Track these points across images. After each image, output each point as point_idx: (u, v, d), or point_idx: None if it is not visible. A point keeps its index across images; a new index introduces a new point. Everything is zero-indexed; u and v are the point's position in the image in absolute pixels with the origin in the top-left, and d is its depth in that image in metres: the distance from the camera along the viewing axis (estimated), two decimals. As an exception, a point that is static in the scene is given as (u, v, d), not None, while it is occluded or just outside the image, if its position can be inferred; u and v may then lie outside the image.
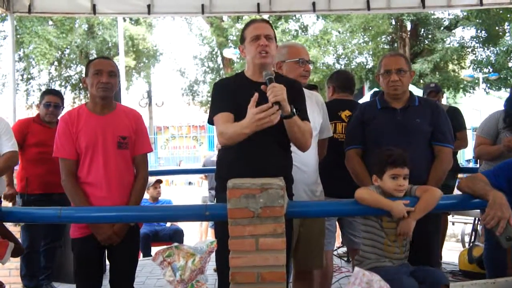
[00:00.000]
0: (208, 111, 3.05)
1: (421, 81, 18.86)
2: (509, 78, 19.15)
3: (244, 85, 2.79)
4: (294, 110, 2.59)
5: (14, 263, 4.61)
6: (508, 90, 4.46)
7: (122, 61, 15.55)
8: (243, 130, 2.52)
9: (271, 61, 2.81)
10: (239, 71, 3.11)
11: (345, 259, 5.73)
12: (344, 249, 5.79)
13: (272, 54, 2.78)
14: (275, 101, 2.49)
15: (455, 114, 5.57)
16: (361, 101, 6.19)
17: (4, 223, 2.84)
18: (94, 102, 3.21)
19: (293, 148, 2.86)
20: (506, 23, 18.75)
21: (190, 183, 19.21)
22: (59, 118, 4.58)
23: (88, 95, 3.31)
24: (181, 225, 7.04)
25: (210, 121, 2.80)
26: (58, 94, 4.92)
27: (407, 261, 2.88)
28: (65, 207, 2.86)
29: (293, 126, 2.63)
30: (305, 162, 3.16)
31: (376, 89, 13.69)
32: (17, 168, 4.58)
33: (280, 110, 2.50)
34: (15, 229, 4.57)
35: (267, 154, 2.67)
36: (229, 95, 2.75)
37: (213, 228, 7.42)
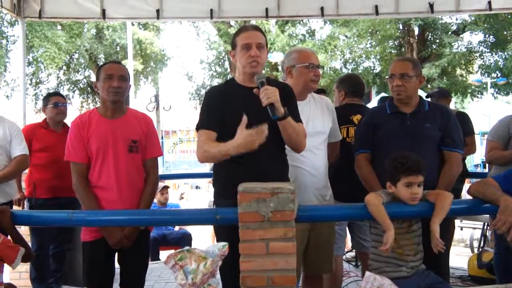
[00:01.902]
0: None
1: (429, 85, 18.80)
2: (517, 83, 19.06)
3: (235, 91, 2.82)
4: (287, 111, 2.62)
5: (24, 266, 4.62)
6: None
7: (130, 65, 15.65)
8: (230, 152, 2.56)
9: (261, 70, 2.82)
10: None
11: (354, 263, 5.71)
12: (353, 253, 5.77)
13: (263, 62, 2.81)
14: (268, 103, 2.54)
15: (463, 119, 5.55)
16: (368, 105, 6.19)
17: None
18: (105, 106, 3.24)
19: (303, 152, 2.87)
20: (514, 28, 18.69)
21: (197, 187, 19.22)
22: (66, 121, 4.67)
23: (97, 99, 3.33)
24: (190, 228, 7.04)
25: (197, 129, 2.82)
26: (61, 95, 5.04)
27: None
28: (77, 211, 2.88)
29: (288, 128, 2.66)
30: (315, 166, 3.16)
31: (384, 94, 13.68)
32: (26, 172, 4.61)
33: (273, 112, 2.54)
34: (24, 233, 4.60)
35: (264, 158, 2.65)
36: (217, 108, 2.77)
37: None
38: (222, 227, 2.69)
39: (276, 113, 2.57)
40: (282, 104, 2.61)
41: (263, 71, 2.83)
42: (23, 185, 4.74)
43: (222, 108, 2.76)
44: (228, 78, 4.15)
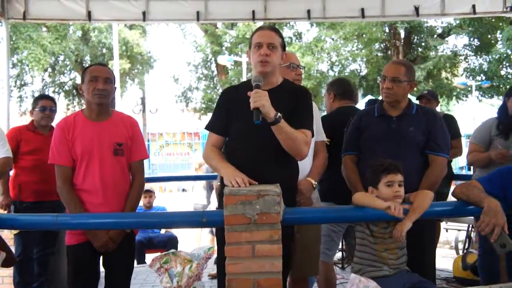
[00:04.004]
0: (202, 117, 3.13)
1: (415, 88, 18.95)
2: (501, 85, 19.26)
3: (246, 92, 2.77)
4: (279, 116, 2.57)
5: (7, 270, 4.58)
6: (501, 97, 4.51)
7: (116, 66, 15.59)
8: (217, 171, 2.84)
9: (272, 70, 2.80)
10: (233, 78, 3.16)
11: (340, 266, 5.74)
12: (339, 255, 5.79)
13: (274, 63, 2.79)
14: (254, 107, 2.53)
15: (449, 122, 5.61)
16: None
17: (-1, 230, 2.84)
18: (90, 109, 3.21)
19: None
20: (498, 32, 18.88)
21: (184, 190, 19.13)
22: (53, 124, 4.62)
23: (83, 101, 3.31)
24: (176, 231, 7.02)
25: (206, 128, 2.94)
26: (51, 99, 4.94)
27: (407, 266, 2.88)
28: (62, 214, 2.86)
29: (279, 133, 2.62)
30: (301, 170, 3.16)
31: (370, 96, 13.74)
32: (11, 174, 4.57)
33: (258, 116, 2.53)
34: (8, 236, 4.55)
35: (266, 163, 2.68)
36: (225, 109, 2.86)
37: (211, 233, 7.42)
38: (222, 229, 2.68)
39: (259, 118, 2.54)
40: (291, 108, 2.62)
41: None
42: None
43: (229, 109, 2.82)
44: (216, 80, 4.16)
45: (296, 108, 2.70)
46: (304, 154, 2.78)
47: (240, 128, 2.78)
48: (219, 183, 3.21)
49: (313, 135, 2.86)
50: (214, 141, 2.88)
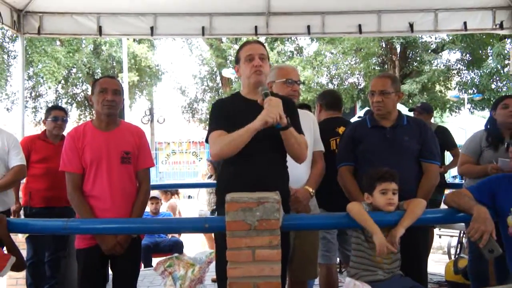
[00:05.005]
0: (207, 127, 3.08)
1: (410, 101, 18.95)
2: (492, 99, 19.21)
3: (240, 103, 2.83)
4: (289, 122, 2.62)
5: (21, 273, 4.59)
6: (492, 110, 4.57)
7: (126, 78, 15.66)
8: (249, 130, 2.54)
9: (265, 79, 2.84)
10: (237, 90, 3.15)
11: (338, 270, 5.71)
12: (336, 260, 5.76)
13: (266, 72, 2.83)
14: None
15: (445, 133, 5.68)
16: (353, 119, 6.22)
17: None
18: (99, 119, 3.23)
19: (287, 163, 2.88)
20: (489, 47, 18.91)
21: (190, 196, 19.10)
22: (64, 133, 4.65)
23: (94, 112, 3.32)
24: (182, 237, 7.01)
25: (207, 140, 2.82)
26: (63, 109, 4.99)
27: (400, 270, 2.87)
28: (72, 219, 2.86)
29: (290, 138, 2.66)
30: (298, 176, 3.16)
31: (368, 108, 13.76)
32: (23, 181, 4.58)
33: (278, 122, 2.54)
34: (20, 240, 4.56)
35: (264, 169, 2.68)
36: (225, 114, 2.78)
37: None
38: (221, 234, 2.68)
39: (279, 123, 2.58)
40: (285, 115, 2.62)
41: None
42: (20, 194, 4.71)
43: (228, 117, 2.76)
44: (220, 92, 4.16)
45: (289, 116, 2.68)
46: (305, 157, 2.82)
47: None
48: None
49: None
50: (220, 134, 2.69)
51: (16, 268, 2.70)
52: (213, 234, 2.98)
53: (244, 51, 2.84)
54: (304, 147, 2.77)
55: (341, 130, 3.91)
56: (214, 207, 7.42)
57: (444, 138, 5.50)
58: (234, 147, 2.61)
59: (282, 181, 2.81)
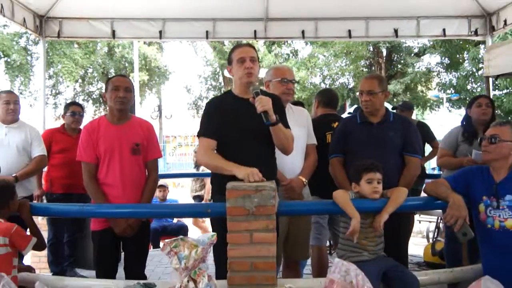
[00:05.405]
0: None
1: (395, 99, 18.92)
2: (467, 98, 19.17)
3: (232, 101, 2.82)
4: (278, 118, 2.64)
5: (44, 251, 4.62)
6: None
7: (136, 77, 15.61)
8: (223, 172, 2.59)
9: (256, 80, 2.81)
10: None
11: (328, 251, 5.72)
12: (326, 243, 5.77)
13: (256, 73, 2.80)
14: (262, 110, 2.57)
15: (424, 128, 5.72)
16: (343, 116, 6.22)
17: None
18: (112, 114, 3.23)
19: (282, 155, 2.88)
20: (465, 52, 18.87)
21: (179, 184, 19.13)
22: (81, 126, 4.65)
23: (107, 107, 3.32)
24: (186, 221, 7.02)
25: (199, 136, 2.83)
26: (80, 105, 5.02)
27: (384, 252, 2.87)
28: (87, 204, 2.88)
29: (279, 133, 2.68)
30: (292, 167, 3.19)
31: (356, 105, 13.76)
32: (45, 170, 4.59)
33: (267, 118, 2.57)
34: (42, 222, 4.58)
35: (256, 161, 2.63)
36: (217, 114, 2.77)
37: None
38: (217, 220, 2.68)
39: (268, 119, 2.59)
40: (274, 112, 2.62)
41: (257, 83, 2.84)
42: (42, 181, 4.71)
43: (220, 117, 2.76)
44: (223, 91, 4.15)
45: (277, 112, 2.68)
46: (292, 149, 2.84)
47: (233, 134, 2.72)
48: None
49: None
50: (208, 144, 2.75)
51: (37, 247, 2.71)
52: (210, 226, 2.95)
53: (236, 53, 2.81)
54: (291, 141, 2.79)
55: (335, 125, 3.91)
56: (196, 193, 7.47)
57: (424, 132, 5.52)
58: (214, 170, 2.75)
59: (272, 172, 2.77)
